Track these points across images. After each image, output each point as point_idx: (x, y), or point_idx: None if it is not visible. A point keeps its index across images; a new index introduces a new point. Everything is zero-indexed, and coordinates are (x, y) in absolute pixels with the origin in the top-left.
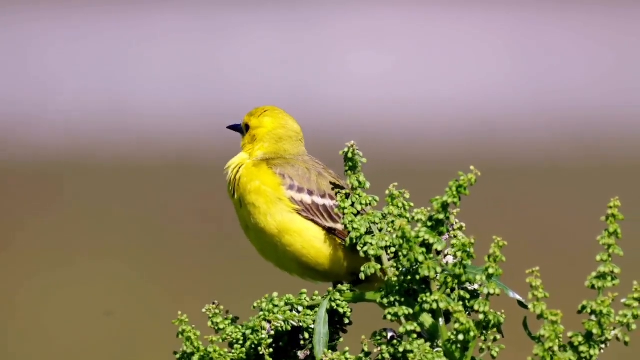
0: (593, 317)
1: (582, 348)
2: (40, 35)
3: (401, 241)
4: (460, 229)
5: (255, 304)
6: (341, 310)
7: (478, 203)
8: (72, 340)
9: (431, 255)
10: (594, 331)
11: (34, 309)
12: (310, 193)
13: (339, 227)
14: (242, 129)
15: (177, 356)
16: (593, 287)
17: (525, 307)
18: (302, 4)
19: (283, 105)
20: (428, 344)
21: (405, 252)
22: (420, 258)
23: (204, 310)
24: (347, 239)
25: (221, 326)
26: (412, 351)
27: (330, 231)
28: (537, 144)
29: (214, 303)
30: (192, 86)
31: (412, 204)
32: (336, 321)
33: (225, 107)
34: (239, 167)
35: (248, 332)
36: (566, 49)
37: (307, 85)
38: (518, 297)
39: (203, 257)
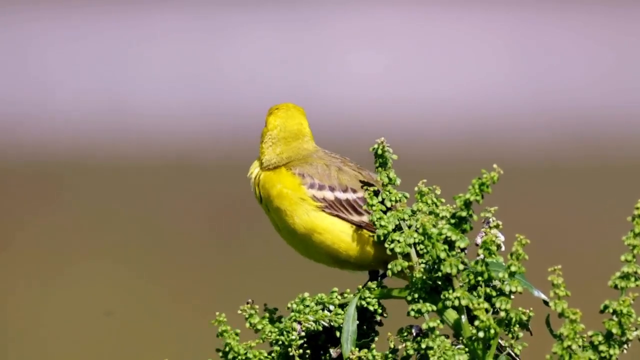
0: (614, 317)
1: (602, 347)
2: (40, 35)
3: (423, 238)
4: (496, 226)
5: (288, 305)
6: (371, 308)
7: (477, 203)
8: (72, 340)
9: (454, 252)
10: (614, 331)
11: (33, 309)
12: (332, 189)
13: (365, 219)
14: None
15: (220, 355)
16: (616, 287)
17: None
18: (302, 4)
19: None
20: (449, 340)
21: (427, 248)
22: (443, 255)
23: (239, 311)
24: (375, 236)
25: (259, 326)
26: (432, 347)
27: (357, 224)
28: (537, 144)
29: (248, 302)
30: (192, 86)
31: (442, 200)
32: (368, 318)
33: (225, 107)
34: (259, 175)
35: (283, 334)
36: (566, 49)
37: (307, 85)
38: (543, 296)
39: (203, 257)
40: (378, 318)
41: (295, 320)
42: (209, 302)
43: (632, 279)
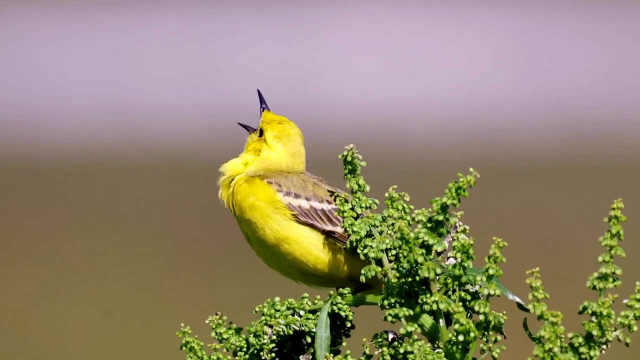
0: (593, 318)
1: (583, 349)
2: (40, 35)
3: (401, 242)
4: (463, 231)
5: (257, 309)
6: (342, 314)
7: (478, 203)
8: (72, 340)
9: (431, 257)
10: (594, 332)
11: (32, 309)
12: (308, 199)
13: (339, 230)
14: (254, 129)
15: None
16: (594, 287)
17: (525, 309)
18: (302, 4)
19: (282, 105)
20: (429, 345)
21: (404, 253)
22: (420, 259)
23: (207, 321)
24: (348, 242)
25: (225, 336)
26: (412, 352)
27: (329, 235)
28: (537, 144)
29: (216, 314)
30: (192, 86)
31: (412, 207)
32: (338, 325)
33: (225, 107)
34: (234, 186)
35: (250, 337)
36: (566, 49)
37: (307, 85)
38: (517, 299)
39: (202, 257)
40: (348, 324)
41: (266, 324)
42: (207, 303)
43: (610, 279)
